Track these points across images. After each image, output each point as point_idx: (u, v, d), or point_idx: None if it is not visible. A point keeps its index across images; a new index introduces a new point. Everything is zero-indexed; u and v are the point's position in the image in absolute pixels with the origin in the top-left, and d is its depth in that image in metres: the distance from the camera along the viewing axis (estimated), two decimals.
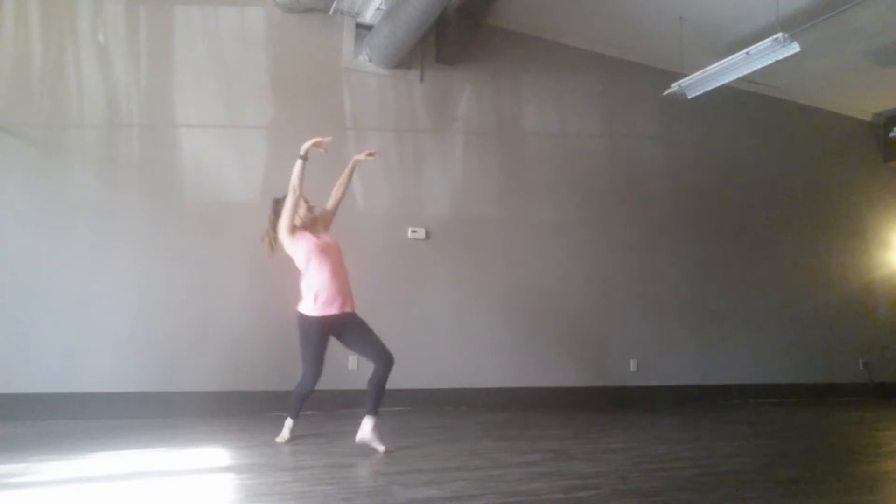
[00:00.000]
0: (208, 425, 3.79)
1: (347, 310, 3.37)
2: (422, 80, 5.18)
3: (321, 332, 3.33)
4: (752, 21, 5.26)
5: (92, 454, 2.95)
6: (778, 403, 6.05)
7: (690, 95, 5.34)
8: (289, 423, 3.44)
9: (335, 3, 4.73)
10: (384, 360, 3.31)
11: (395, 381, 4.84)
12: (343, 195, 3.70)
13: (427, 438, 3.58)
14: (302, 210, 3.41)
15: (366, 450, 3.22)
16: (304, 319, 3.34)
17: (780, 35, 4.32)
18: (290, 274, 4.55)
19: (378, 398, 3.29)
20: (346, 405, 4.51)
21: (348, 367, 4.61)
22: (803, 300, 6.67)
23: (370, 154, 3.71)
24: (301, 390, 3.40)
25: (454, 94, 5.30)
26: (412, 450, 3.26)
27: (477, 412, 4.67)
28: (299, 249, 3.37)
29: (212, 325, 4.26)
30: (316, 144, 3.40)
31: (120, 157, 4.21)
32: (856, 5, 4.80)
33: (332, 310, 3.31)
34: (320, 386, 4.47)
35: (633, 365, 5.71)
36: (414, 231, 4.95)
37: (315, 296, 3.31)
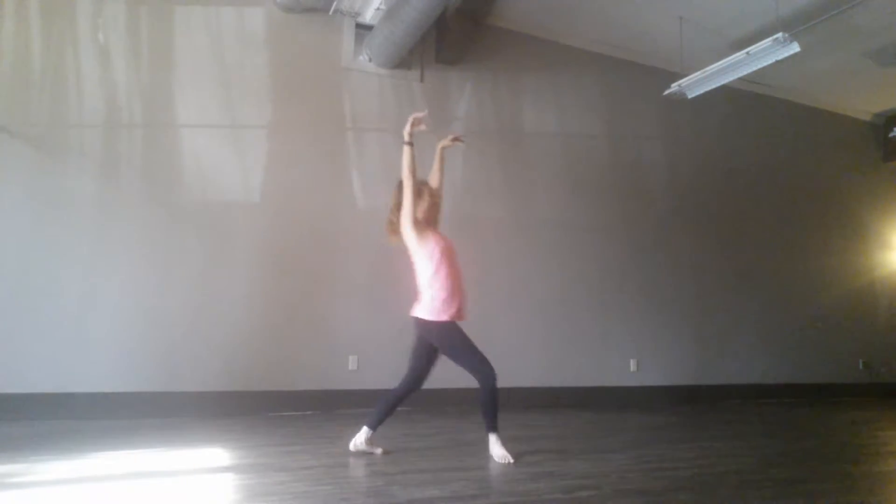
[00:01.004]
0: (208, 425, 3.79)
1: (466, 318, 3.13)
2: (422, 80, 5.18)
3: (460, 330, 3.07)
4: (752, 21, 5.27)
5: (92, 454, 2.95)
6: (778, 403, 6.05)
7: (690, 95, 5.34)
8: (494, 438, 3.09)
9: (335, 3, 4.74)
10: (419, 380, 3.16)
11: (396, 381, 4.84)
12: (442, 186, 3.39)
13: (427, 438, 3.58)
14: (426, 203, 3.14)
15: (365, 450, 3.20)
16: (443, 327, 3.05)
17: (780, 35, 4.32)
18: (291, 273, 4.57)
19: (390, 410, 3.13)
20: (346, 405, 4.52)
21: (348, 368, 4.61)
22: (803, 300, 6.67)
23: (456, 139, 3.42)
24: (489, 386, 3.07)
25: (454, 94, 5.31)
26: (412, 450, 3.26)
27: (477, 412, 4.65)
28: (427, 248, 3.08)
29: (211, 324, 4.26)
30: (416, 123, 3.13)
31: (120, 157, 4.22)
32: (856, 5, 4.80)
33: (462, 315, 3.10)
34: (320, 386, 4.51)
35: (633, 365, 5.71)
36: None
37: (448, 300, 3.05)
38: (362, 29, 4.94)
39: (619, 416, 4.82)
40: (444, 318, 3.04)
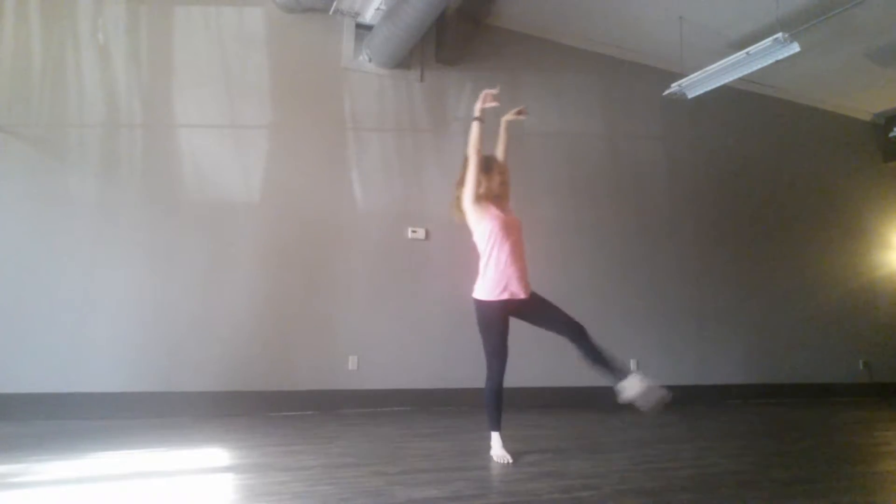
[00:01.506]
0: (208, 425, 3.79)
1: (524, 295, 3.06)
2: (422, 80, 5.18)
3: (501, 318, 3.04)
4: (752, 21, 5.26)
5: (92, 454, 2.95)
6: (778, 403, 6.05)
7: (690, 95, 5.34)
8: (496, 437, 3.06)
9: (335, 3, 4.74)
10: (575, 331, 3.02)
11: (396, 381, 4.87)
12: (506, 161, 3.36)
13: (427, 438, 3.58)
14: (496, 179, 3.12)
15: (365, 450, 3.20)
16: (480, 305, 3.06)
17: (780, 35, 4.32)
18: (291, 273, 4.57)
19: (607, 364, 2.97)
20: (346, 405, 4.52)
21: (348, 368, 4.61)
22: (803, 300, 6.66)
23: (520, 112, 3.38)
24: (493, 385, 3.06)
25: (454, 94, 5.30)
26: (412, 450, 3.26)
27: (477, 412, 4.66)
28: (483, 226, 3.06)
29: (212, 324, 4.26)
30: (487, 99, 3.09)
31: (120, 157, 4.21)
32: (856, 5, 4.80)
33: (509, 294, 3.02)
34: (320, 386, 4.51)
35: (632, 365, 5.70)
36: (414, 231, 4.95)
37: (495, 281, 3.02)
38: (362, 29, 4.94)
39: (618, 416, 4.82)
40: (482, 296, 3.05)
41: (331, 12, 4.83)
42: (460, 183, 3.16)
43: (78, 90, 4.14)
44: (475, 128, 3.06)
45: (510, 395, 5.14)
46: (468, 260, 5.12)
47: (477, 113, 3.08)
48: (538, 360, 5.30)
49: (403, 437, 3.60)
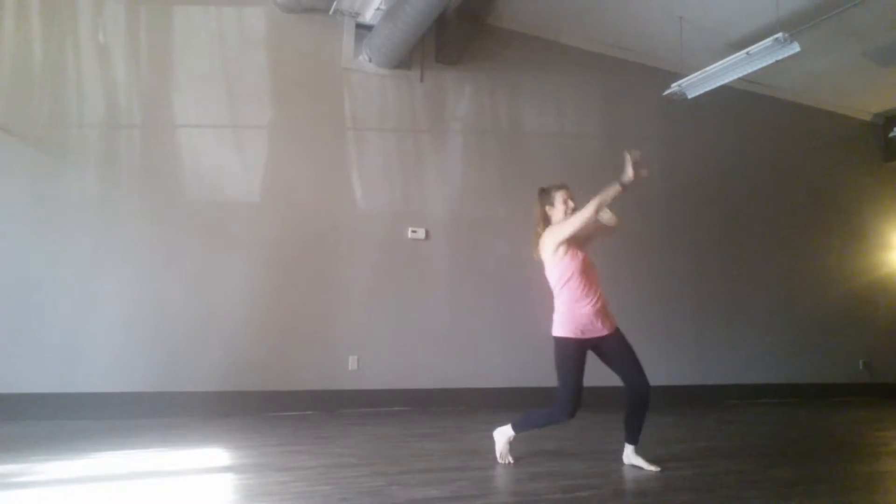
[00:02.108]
0: (208, 425, 3.79)
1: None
2: (422, 80, 5.18)
3: (572, 352, 2.94)
4: (752, 21, 5.26)
5: (92, 454, 2.95)
6: (778, 403, 6.05)
7: (690, 95, 5.34)
8: (509, 434, 3.02)
9: (335, 3, 4.73)
10: (638, 391, 2.97)
11: (396, 381, 4.87)
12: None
13: (427, 438, 3.58)
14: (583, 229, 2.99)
15: (365, 450, 3.21)
16: (557, 342, 2.98)
17: (780, 35, 4.32)
18: (291, 273, 4.57)
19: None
20: (346, 405, 4.52)
21: (348, 368, 4.61)
22: (803, 300, 6.66)
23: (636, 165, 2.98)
24: (555, 419, 2.96)
25: (454, 94, 5.30)
26: (412, 450, 3.26)
27: (477, 412, 4.66)
28: (559, 265, 3.01)
29: (212, 324, 4.26)
30: (637, 169, 2.90)
31: (120, 157, 4.22)
32: (856, 5, 4.80)
33: (585, 334, 2.96)
34: (320, 386, 4.51)
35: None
36: (414, 231, 4.95)
37: (567, 315, 2.98)
38: (362, 29, 4.94)
39: (618, 416, 4.81)
40: (557, 333, 2.97)
41: (331, 12, 4.83)
42: (543, 212, 3.10)
43: (78, 90, 4.14)
44: (614, 192, 2.90)
45: (510, 394, 5.17)
46: (468, 260, 5.14)
47: (626, 180, 2.89)
48: (539, 360, 5.29)
49: (403, 437, 3.60)
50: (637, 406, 3.00)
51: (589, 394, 5.57)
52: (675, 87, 5.30)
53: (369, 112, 4.98)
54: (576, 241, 3.05)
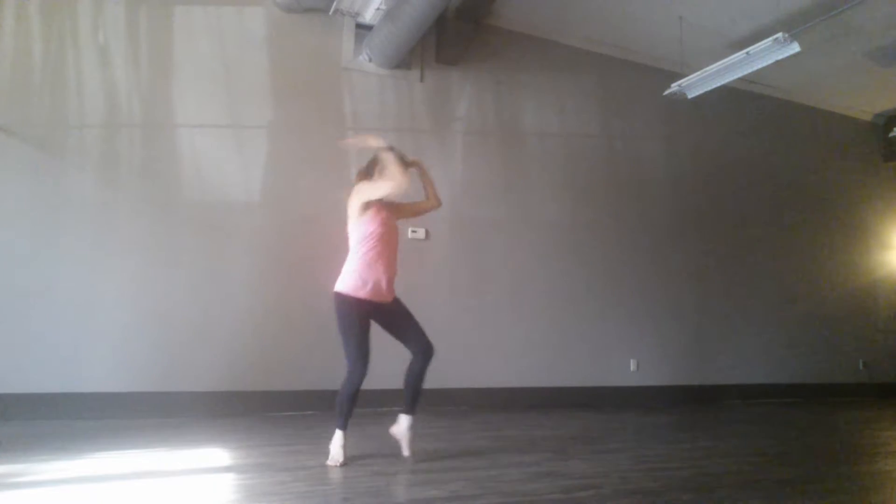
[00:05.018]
0: (208, 425, 3.79)
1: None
2: (422, 80, 5.18)
3: (356, 312, 3.07)
4: (752, 21, 5.27)
5: (92, 454, 2.95)
6: (778, 403, 6.05)
7: (690, 95, 5.33)
8: (338, 436, 2.97)
9: (335, 3, 4.73)
10: (424, 351, 3.10)
11: (396, 381, 4.85)
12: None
13: (427, 438, 3.58)
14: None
15: (365, 450, 3.21)
16: (336, 299, 3.10)
17: (780, 35, 4.31)
18: (291, 273, 4.56)
19: (416, 391, 3.12)
20: None
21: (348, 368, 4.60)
22: (803, 300, 6.67)
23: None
24: (351, 385, 3.06)
25: (454, 94, 5.30)
26: (412, 450, 3.25)
27: (477, 412, 4.67)
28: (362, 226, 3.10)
29: (212, 324, 4.26)
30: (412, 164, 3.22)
31: (120, 157, 4.21)
32: (856, 5, 4.80)
33: (372, 297, 3.08)
34: (320, 386, 4.50)
35: (633, 365, 5.71)
36: (414, 231, 4.94)
37: (359, 275, 3.08)
38: (362, 29, 4.94)
39: (618, 416, 4.82)
40: (339, 288, 3.08)
41: (331, 12, 4.83)
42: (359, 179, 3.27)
43: (78, 90, 4.14)
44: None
45: (511, 394, 5.18)
46: (468, 260, 5.14)
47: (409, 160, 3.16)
48: (538, 360, 5.30)
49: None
50: (423, 370, 3.11)
51: (589, 393, 5.58)
52: (675, 87, 5.30)
53: (369, 112, 4.98)
54: (387, 207, 3.14)
